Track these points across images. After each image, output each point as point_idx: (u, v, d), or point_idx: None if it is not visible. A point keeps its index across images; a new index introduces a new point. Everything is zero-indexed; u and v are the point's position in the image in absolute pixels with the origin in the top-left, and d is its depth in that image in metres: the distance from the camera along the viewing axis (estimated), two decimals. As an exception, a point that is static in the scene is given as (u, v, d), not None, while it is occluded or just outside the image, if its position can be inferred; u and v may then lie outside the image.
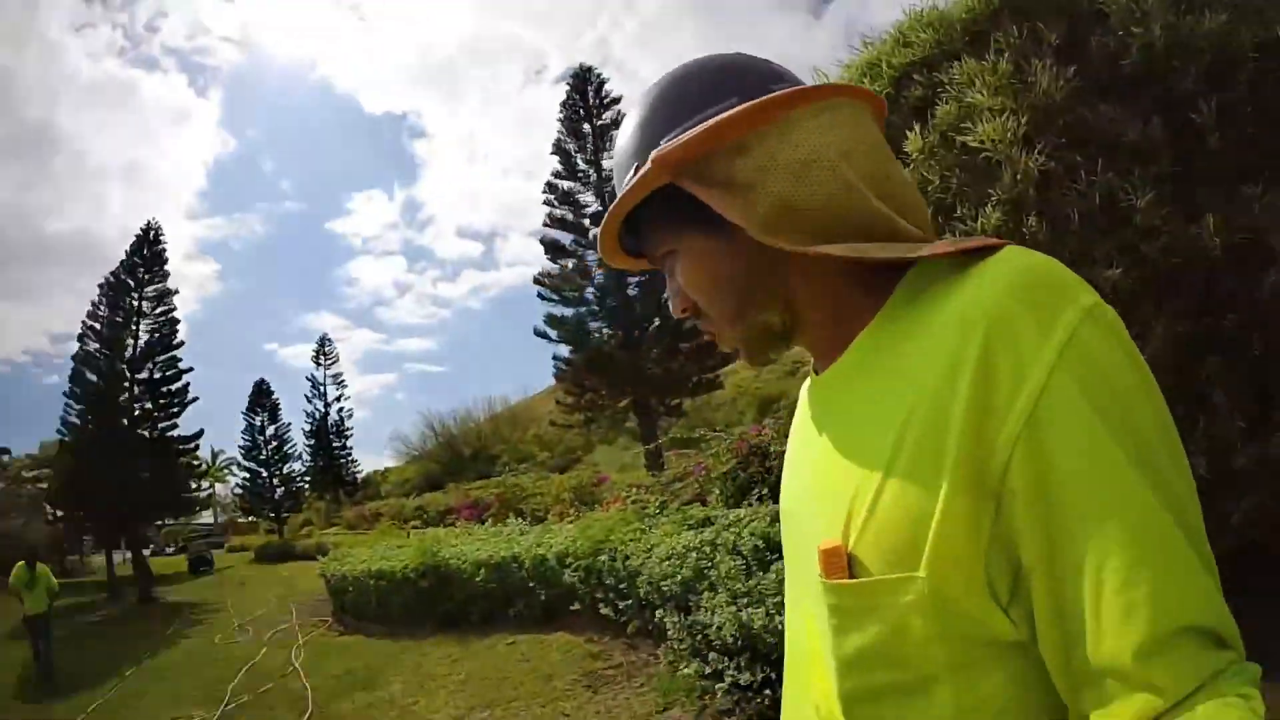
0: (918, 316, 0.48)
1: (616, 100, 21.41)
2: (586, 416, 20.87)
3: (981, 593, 0.43)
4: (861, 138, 0.52)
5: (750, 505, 4.48)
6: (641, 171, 0.53)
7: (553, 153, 20.75)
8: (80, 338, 20.69)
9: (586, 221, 20.75)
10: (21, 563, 8.58)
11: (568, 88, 21.36)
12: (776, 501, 4.25)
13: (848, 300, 0.54)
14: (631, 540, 4.95)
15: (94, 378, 20.21)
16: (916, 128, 2.06)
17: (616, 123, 21.04)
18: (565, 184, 20.79)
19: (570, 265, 20.65)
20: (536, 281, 20.70)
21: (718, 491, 5.24)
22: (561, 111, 21.19)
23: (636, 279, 19.99)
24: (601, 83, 21.46)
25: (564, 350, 20.48)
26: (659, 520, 5.27)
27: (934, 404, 0.44)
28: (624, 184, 0.56)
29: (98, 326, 20.64)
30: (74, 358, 20.47)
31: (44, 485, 25.60)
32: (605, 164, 20.81)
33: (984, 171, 1.92)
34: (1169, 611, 0.39)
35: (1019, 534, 0.42)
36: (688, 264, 0.56)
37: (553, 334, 20.28)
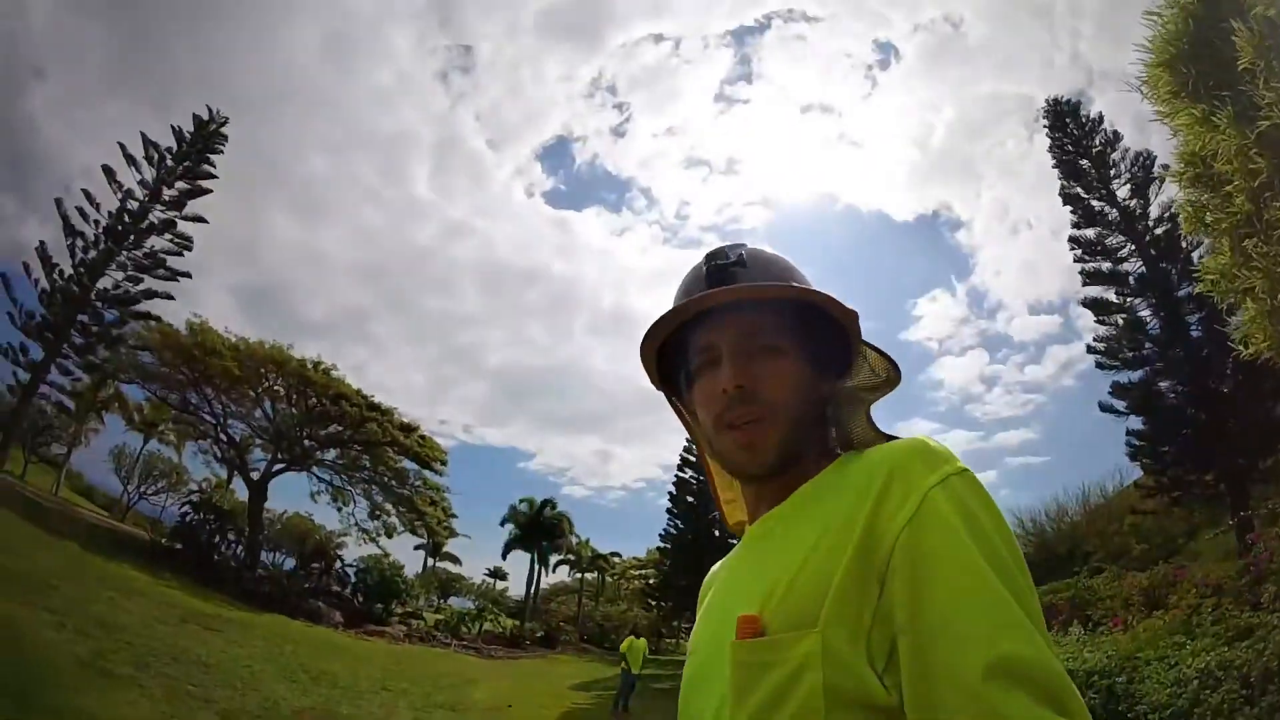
0: (846, 472, 0.76)
1: (1099, 120, 20.13)
2: (1172, 498, 18.46)
3: (864, 658, 0.62)
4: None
5: None
6: (840, 301, 0.81)
7: (1064, 204, 20.05)
8: (679, 466, 28.91)
9: (1125, 266, 19.41)
10: (630, 636, 13.93)
11: (1045, 129, 20.90)
12: None
13: (819, 457, 0.83)
14: (1161, 658, 4.45)
15: (690, 498, 27.97)
16: (1239, 25, 1.84)
17: (1110, 144, 19.62)
18: (1087, 233, 20.22)
19: (1120, 322, 19.55)
20: (1090, 350, 19.89)
21: (1274, 589, 4.50)
22: (1053, 156, 20.69)
23: (1196, 318, 17.84)
24: (1075, 108, 20.50)
25: (1137, 422, 18.97)
26: (1205, 630, 4.68)
27: (846, 516, 0.68)
28: (794, 279, 0.83)
29: (691, 457, 27.89)
30: (674, 483, 28.71)
31: (649, 581, 35.65)
32: (1120, 194, 19.22)
33: None
34: (999, 643, 0.57)
35: (894, 605, 0.62)
36: (791, 365, 0.81)
37: (1119, 405, 19.46)
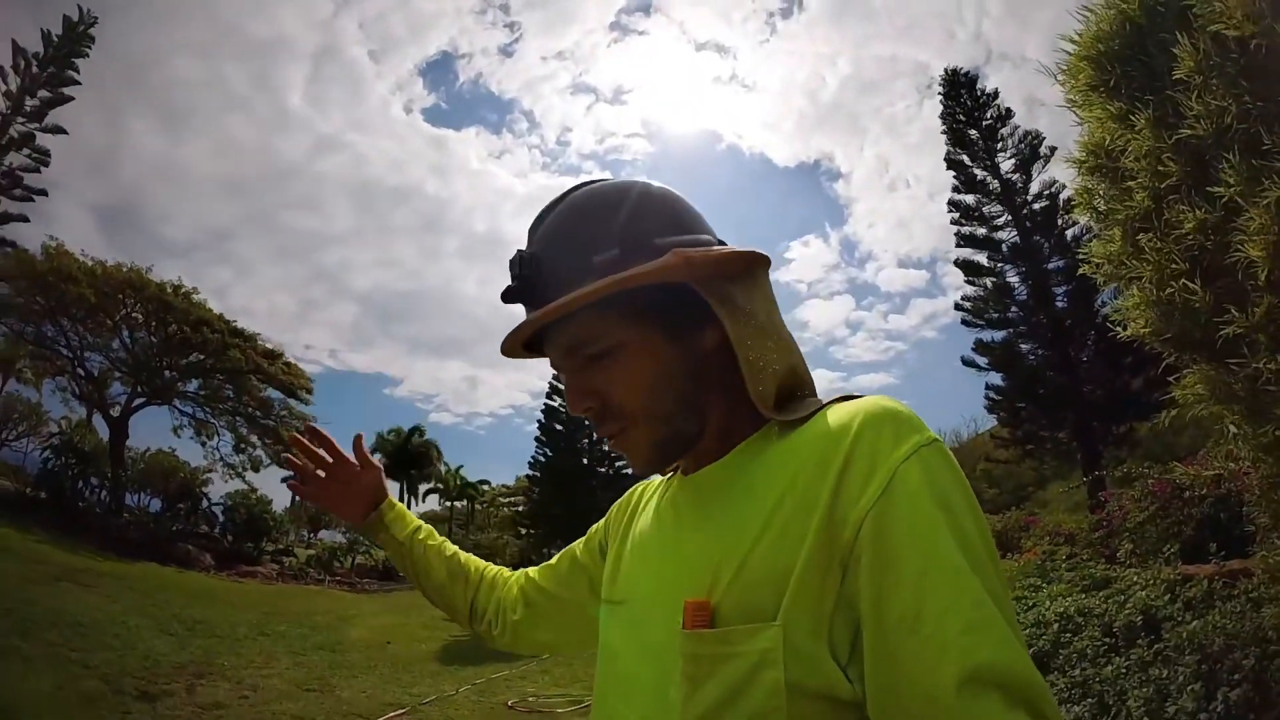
0: (793, 436, 0.67)
1: (994, 95, 21.30)
2: (1024, 450, 20.73)
3: (826, 651, 0.57)
4: (766, 291, 0.75)
5: (1156, 566, 4.04)
6: (660, 262, 0.66)
7: (947, 168, 21.16)
8: (548, 395, 28.47)
9: (999, 235, 20.62)
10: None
11: (940, 96, 21.92)
12: (1188, 560, 4.03)
13: (739, 422, 0.73)
14: (1018, 598, 4.86)
15: (559, 426, 27.72)
16: (1183, 38, 1.77)
17: (1001, 119, 20.76)
18: (967, 199, 21.75)
19: (989, 285, 20.92)
20: (958, 307, 21.20)
21: (1128, 546, 4.94)
22: (943, 124, 21.70)
23: (1063, 289, 19.54)
24: (972, 80, 21.58)
25: (997, 378, 20.56)
26: (1061, 576, 5.13)
27: (804, 491, 0.60)
28: (614, 258, 0.68)
29: (559, 384, 29.83)
30: (543, 410, 28.38)
31: (519, 509, 35.23)
32: (1003, 166, 20.39)
33: (1274, 73, 1.62)
34: (974, 652, 0.51)
35: (858, 593, 0.56)
36: (634, 360, 0.70)
37: (981, 361, 20.90)
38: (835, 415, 0.65)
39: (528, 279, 0.71)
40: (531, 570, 1.10)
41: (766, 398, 0.70)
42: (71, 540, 15.48)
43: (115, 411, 22.88)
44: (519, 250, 0.73)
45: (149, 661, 6.90)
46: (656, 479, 0.91)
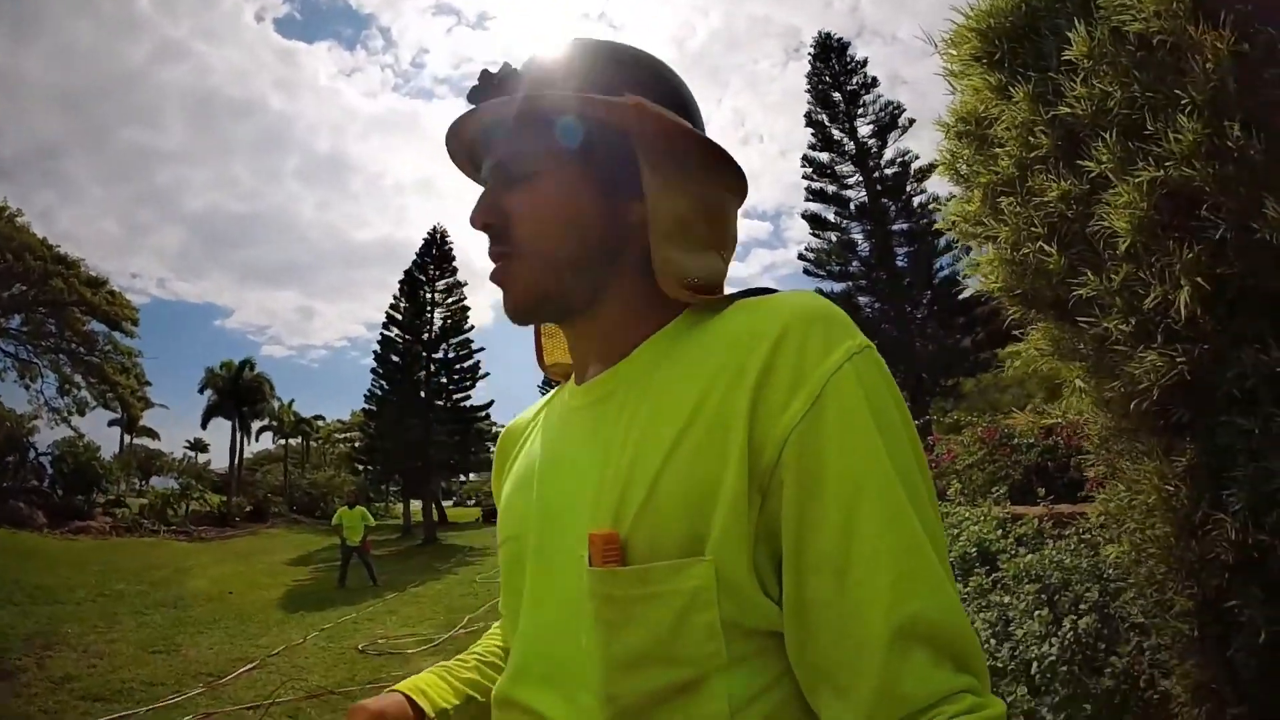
0: (704, 336, 0.58)
1: (863, 63, 22.18)
2: None
3: (757, 581, 0.51)
4: (733, 194, 0.67)
5: (986, 504, 4.26)
6: (612, 100, 0.59)
7: (806, 125, 22.11)
8: (384, 325, 27.24)
9: (848, 193, 21.53)
10: (344, 506, 12.91)
11: (810, 57, 22.74)
12: (1015, 502, 4.52)
13: (645, 308, 0.64)
14: None
15: (396, 358, 26.70)
16: (1081, 25, 1.83)
17: (866, 87, 21.90)
18: (822, 156, 23.12)
19: (834, 238, 21.85)
20: (801, 258, 22.15)
21: (958, 485, 5.13)
22: (808, 83, 22.52)
23: (905, 249, 21.14)
24: (844, 46, 22.47)
25: None
26: None
27: (720, 403, 0.52)
28: (572, 88, 0.62)
29: (398, 316, 27.10)
30: (379, 341, 27.12)
31: (354, 445, 34.26)
32: (862, 130, 21.45)
33: (1169, 66, 1.65)
34: (905, 602, 0.46)
35: (782, 521, 0.50)
36: (551, 191, 0.62)
37: None
38: (755, 311, 0.56)
39: (512, 71, 0.65)
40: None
41: (669, 275, 0.60)
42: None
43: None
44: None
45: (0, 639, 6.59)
46: (520, 416, 0.85)
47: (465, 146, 0.70)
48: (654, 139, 0.61)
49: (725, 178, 0.66)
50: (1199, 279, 1.58)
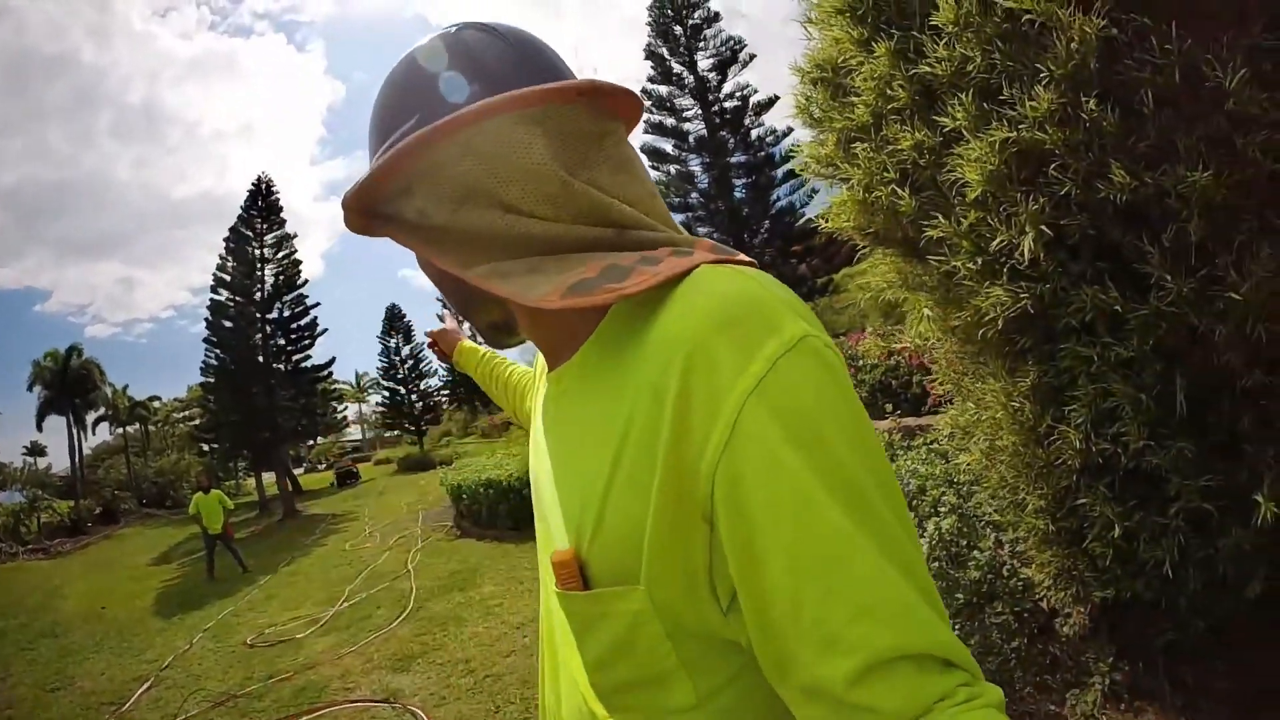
0: (633, 336, 0.53)
1: None
2: None
3: (706, 601, 0.51)
4: (548, 147, 0.55)
5: None
6: (377, 170, 0.57)
7: (645, 58, 22.01)
8: (213, 289, 24.99)
9: (686, 125, 22.16)
10: (198, 493, 11.94)
11: None
12: None
13: (561, 314, 0.60)
14: None
15: (228, 323, 24.60)
16: None
17: (708, 20, 22.04)
18: (661, 89, 23.24)
19: (673, 170, 22.16)
20: None
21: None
22: (649, 15, 22.37)
23: (743, 181, 22.10)
24: None
25: None
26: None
27: (644, 428, 0.49)
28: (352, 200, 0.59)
29: (227, 276, 24.88)
30: (208, 307, 24.86)
31: (195, 423, 31.86)
32: (701, 64, 21.71)
33: (1032, 41, 1.78)
34: (871, 640, 0.42)
35: (726, 556, 0.48)
36: (421, 264, 0.65)
37: None
38: (669, 313, 0.50)
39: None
40: (518, 369, 1.29)
41: (530, 304, 0.53)
42: None
43: None
44: None
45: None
46: None
47: None
48: (382, 218, 0.61)
49: (485, 127, 0.56)
50: (1043, 226, 1.81)
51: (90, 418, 38.93)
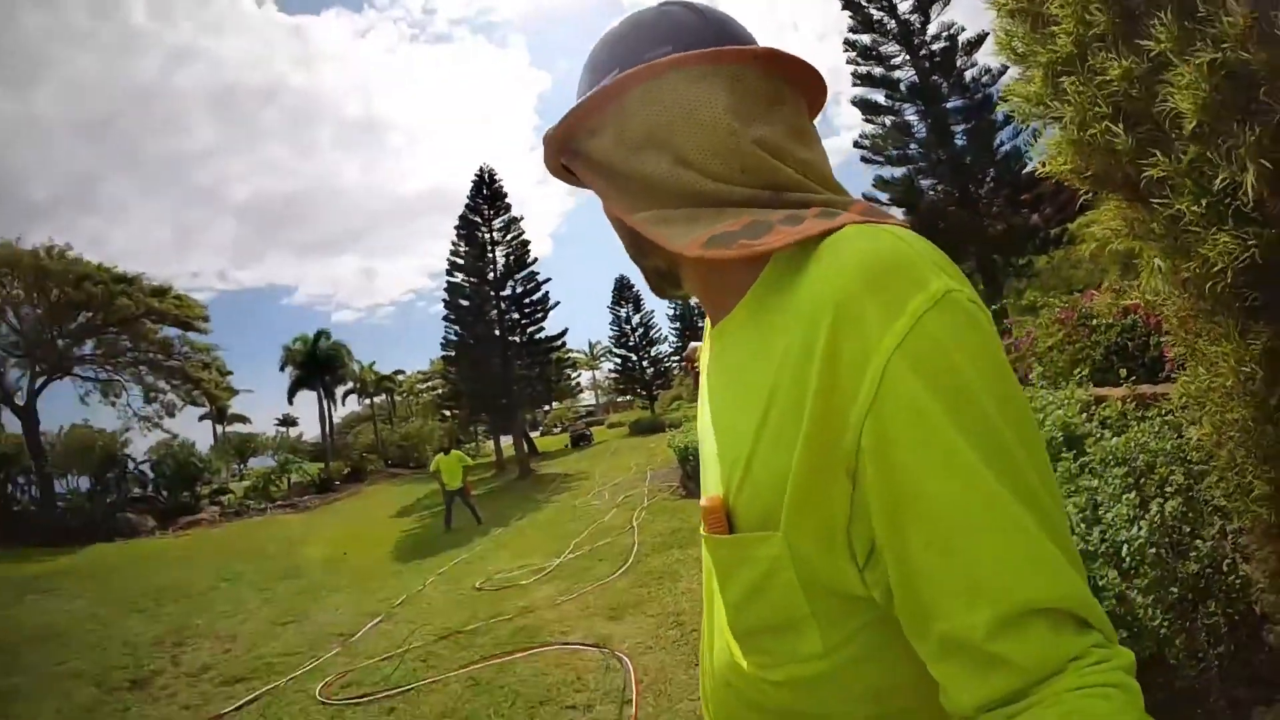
0: (784, 294, 0.57)
1: None
2: None
3: (841, 555, 0.53)
4: (723, 103, 0.60)
5: (1070, 387, 4.00)
6: (589, 99, 0.64)
7: (843, 8, 20.70)
8: (448, 272, 27.47)
9: (897, 74, 20.31)
10: (440, 454, 13.27)
11: None
12: (1097, 384, 4.48)
13: (719, 268, 0.64)
14: None
15: (465, 301, 27.05)
16: None
17: None
18: (864, 38, 21.57)
19: (889, 122, 20.87)
20: (856, 145, 21.10)
21: (1040, 369, 4.82)
22: None
23: (962, 127, 19.74)
24: None
25: (899, 213, 21.28)
26: None
27: (792, 383, 0.53)
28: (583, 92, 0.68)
29: (460, 260, 27.24)
30: (445, 289, 27.40)
31: (438, 392, 35.30)
32: (901, 7, 20.13)
33: None
34: (1012, 591, 0.44)
35: (871, 511, 0.50)
36: (605, 209, 0.68)
37: (882, 197, 20.51)
38: (819, 271, 0.53)
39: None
40: None
41: (673, 250, 0.60)
42: (17, 547, 15.44)
43: (20, 399, 21.72)
44: None
45: (128, 648, 6.91)
46: None
47: None
48: (572, 154, 0.68)
49: (665, 80, 0.62)
50: (1263, 161, 1.54)
51: (339, 391, 43.17)
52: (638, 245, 0.71)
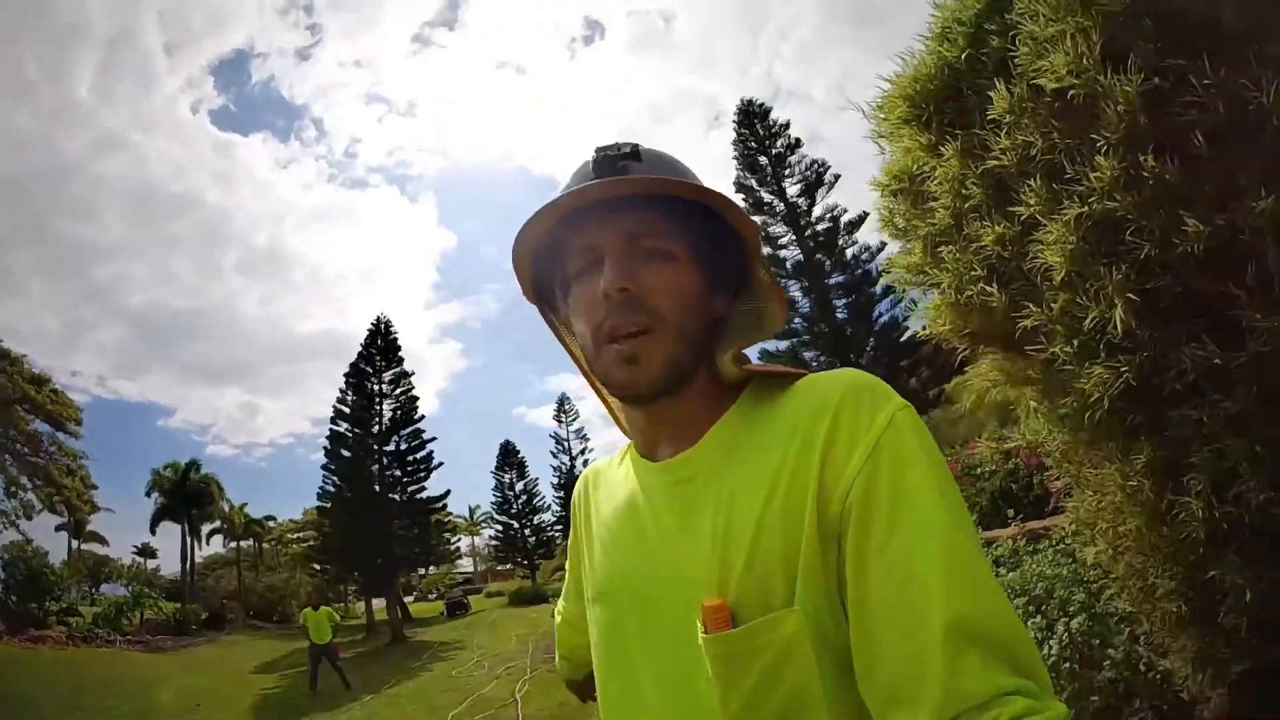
0: (772, 417, 0.68)
1: (786, 125, 23.25)
2: None
3: (841, 617, 0.60)
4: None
5: None
6: (740, 206, 0.71)
7: (736, 191, 22.89)
8: (332, 420, 26.73)
9: (782, 253, 22.39)
10: (308, 607, 12.65)
11: (734, 124, 23.66)
12: (986, 529, 4.76)
13: (716, 393, 0.74)
14: None
15: (346, 452, 26.14)
16: (1000, 84, 1.97)
17: (791, 148, 22.91)
18: (754, 219, 24.19)
19: (771, 297, 23.55)
20: None
21: None
22: (735, 149, 23.52)
23: (844, 301, 21.89)
24: (766, 111, 23.48)
25: None
26: None
27: (794, 474, 0.62)
28: (693, 181, 0.71)
29: (346, 410, 26.62)
30: (328, 437, 26.50)
31: (309, 544, 32.68)
32: (790, 190, 22.36)
33: (1084, 113, 1.80)
34: (960, 605, 0.52)
35: (845, 557, 0.59)
36: (683, 275, 0.71)
37: None
38: (812, 391, 0.67)
39: (636, 154, 0.71)
40: (559, 605, 1.11)
41: (733, 362, 0.74)
42: None
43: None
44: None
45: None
46: (601, 463, 0.92)
47: (560, 218, 0.71)
48: (750, 236, 0.74)
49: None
50: (1130, 295, 1.79)
51: (205, 529, 40.30)
52: (694, 335, 0.72)
